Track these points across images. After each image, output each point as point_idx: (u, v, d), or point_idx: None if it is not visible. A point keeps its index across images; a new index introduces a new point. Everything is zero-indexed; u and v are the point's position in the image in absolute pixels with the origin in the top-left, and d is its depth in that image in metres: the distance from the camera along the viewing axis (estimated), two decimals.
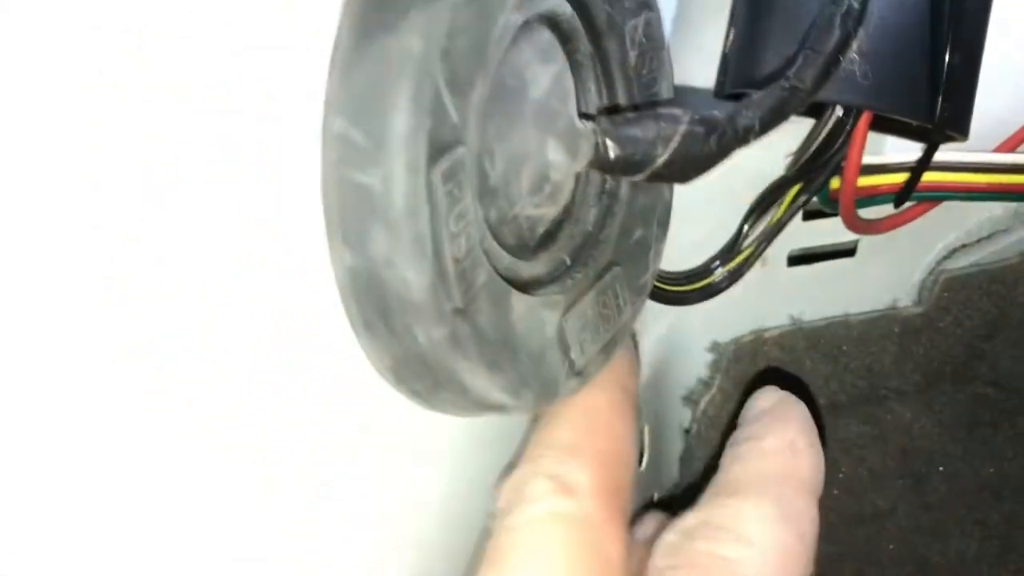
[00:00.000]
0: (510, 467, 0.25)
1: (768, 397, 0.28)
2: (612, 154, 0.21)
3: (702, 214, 0.34)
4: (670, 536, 0.24)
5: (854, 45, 0.25)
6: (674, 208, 0.28)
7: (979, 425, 0.40)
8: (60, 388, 0.14)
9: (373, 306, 0.18)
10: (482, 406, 0.20)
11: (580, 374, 0.23)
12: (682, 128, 0.22)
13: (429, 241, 0.18)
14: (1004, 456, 0.41)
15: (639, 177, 0.22)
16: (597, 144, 0.22)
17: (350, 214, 0.17)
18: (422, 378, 0.19)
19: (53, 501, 0.14)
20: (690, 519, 0.24)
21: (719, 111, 0.22)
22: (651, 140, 0.21)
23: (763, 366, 0.37)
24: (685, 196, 0.32)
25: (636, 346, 0.29)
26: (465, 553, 0.25)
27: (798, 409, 0.27)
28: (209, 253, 0.16)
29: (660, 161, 0.22)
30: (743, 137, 0.22)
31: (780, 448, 0.25)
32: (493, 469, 0.25)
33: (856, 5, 0.24)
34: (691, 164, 0.22)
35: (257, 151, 0.16)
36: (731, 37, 0.32)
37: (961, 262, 0.38)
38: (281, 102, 0.17)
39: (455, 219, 0.18)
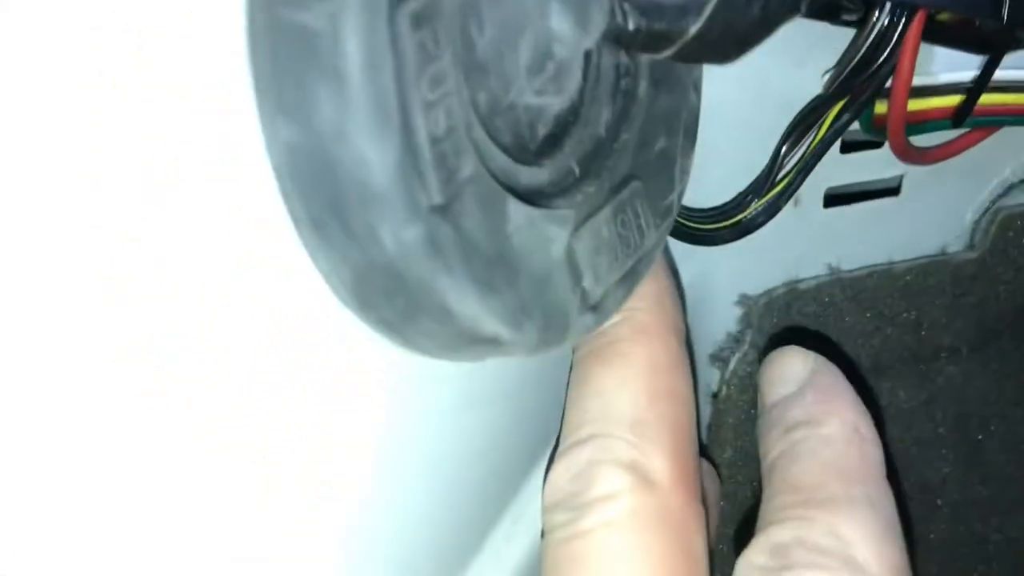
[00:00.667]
0: (560, 446, 0.21)
1: (799, 361, 0.24)
2: (632, 23, 0.17)
3: (731, 145, 0.30)
4: (760, 559, 0.20)
5: None
6: (699, 140, 0.24)
7: None
8: (60, 388, 0.14)
9: (322, 197, 0.14)
10: (472, 338, 0.16)
11: (595, 308, 0.19)
12: None
13: (395, 105, 0.13)
14: None
15: (666, 53, 0.18)
16: (613, 9, 0.17)
17: (286, 69, 0.13)
18: (393, 299, 0.15)
19: (53, 501, 0.14)
20: (778, 533, 0.20)
21: None
22: (681, 5, 0.17)
23: (798, 321, 0.33)
24: (709, 125, 0.28)
25: (677, 275, 0.25)
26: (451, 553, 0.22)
27: (841, 379, 0.23)
28: (209, 253, 0.15)
29: (692, 31, 0.17)
30: (793, 3, 0.18)
31: (847, 436, 0.22)
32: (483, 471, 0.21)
33: None
34: (730, 36, 0.18)
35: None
36: None
37: (1019, 199, 0.34)
38: None
39: (430, 82, 0.14)
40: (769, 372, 0.24)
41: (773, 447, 0.22)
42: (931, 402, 0.36)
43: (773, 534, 0.20)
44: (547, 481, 0.21)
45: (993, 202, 0.34)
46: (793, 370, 0.24)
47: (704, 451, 0.33)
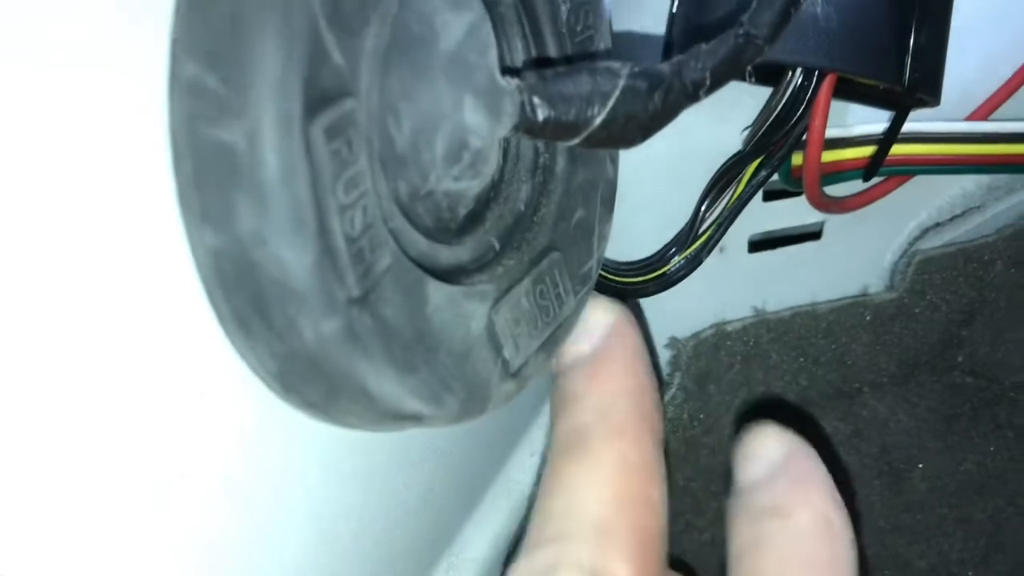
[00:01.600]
0: (524, 542, 0.20)
1: (774, 442, 0.22)
2: (541, 115, 0.18)
3: (654, 199, 0.32)
4: None
5: None
6: (624, 193, 0.25)
7: (959, 417, 0.38)
8: (60, 388, 0.14)
9: (246, 297, 0.15)
10: (394, 417, 0.17)
11: (516, 375, 0.20)
12: (621, 83, 0.18)
13: (311, 212, 0.14)
14: (986, 449, 0.38)
15: (574, 141, 0.19)
16: (523, 103, 0.18)
17: (209, 182, 0.14)
18: (315, 384, 0.16)
19: (53, 501, 0.14)
20: None
21: (664, 64, 0.19)
22: (586, 97, 0.18)
23: (726, 362, 0.34)
24: (635, 179, 0.29)
25: (660, 375, 0.25)
26: None
27: (816, 463, 0.22)
28: (133, 348, 0.15)
29: (597, 122, 0.18)
30: (692, 92, 0.19)
31: (816, 529, 0.20)
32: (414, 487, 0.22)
33: None
34: (633, 125, 0.19)
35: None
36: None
37: (934, 242, 0.36)
38: None
39: (345, 187, 0.15)
40: (743, 450, 0.23)
41: (740, 535, 0.21)
42: (856, 435, 0.38)
43: None
44: None
45: (911, 244, 0.36)
46: (768, 450, 0.22)
47: (684, 566, 0.34)
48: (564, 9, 0.21)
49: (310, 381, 0.16)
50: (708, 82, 0.19)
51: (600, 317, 0.22)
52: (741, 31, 0.20)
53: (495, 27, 0.20)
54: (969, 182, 0.36)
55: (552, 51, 0.21)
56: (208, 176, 0.14)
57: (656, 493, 0.21)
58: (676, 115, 0.19)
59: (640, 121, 0.19)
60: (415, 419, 0.18)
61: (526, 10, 0.20)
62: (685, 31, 0.27)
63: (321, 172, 0.14)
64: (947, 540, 0.39)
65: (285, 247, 0.14)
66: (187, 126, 0.14)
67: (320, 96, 0.14)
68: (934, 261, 0.35)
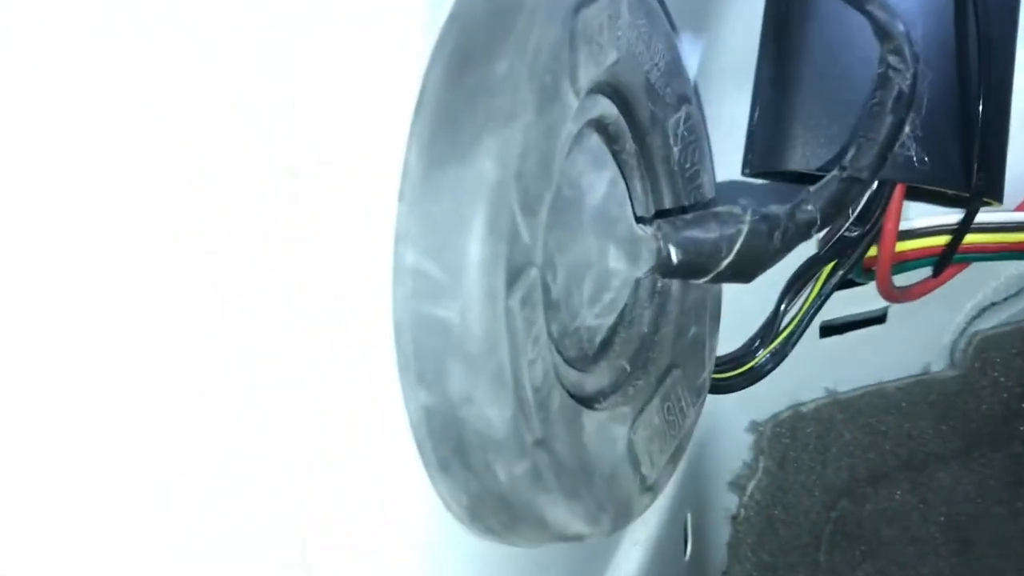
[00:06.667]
0: None
1: None
2: (676, 258, 0.21)
3: (735, 295, 0.34)
4: None
5: (907, 129, 0.24)
6: None
7: (1022, 484, 0.39)
8: (60, 388, 0.13)
9: (450, 445, 0.17)
10: (560, 537, 0.19)
11: (651, 489, 0.22)
12: (745, 227, 0.21)
13: (509, 373, 0.16)
14: None
15: (703, 280, 0.21)
16: (659, 249, 0.21)
17: (425, 351, 0.16)
18: (499, 515, 0.18)
19: (52, 501, 0.14)
20: None
21: (777, 206, 0.22)
22: (714, 241, 0.21)
23: (803, 442, 0.36)
24: None
25: None
26: None
27: None
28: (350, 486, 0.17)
29: (725, 262, 0.21)
30: (805, 231, 0.22)
31: None
32: None
33: (906, 89, 0.23)
34: (755, 263, 0.21)
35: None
36: (756, 113, 0.31)
37: (991, 321, 0.38)
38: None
39: (532, 344, 0.17)
40: None
41: None
42: (923, 503, 0.39)
43: None
44: None
45: (969, 324, 0.38)
46: None
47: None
48: (676, 151, 0.24)
49: (496, 512, 0.18)
50: (819, 222, 0.22)
51: None
52: (845, 174, 0.22)
53: (620, 174, 0.22)
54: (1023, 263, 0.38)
55: (666, 187, 0.24)
56: (425, 345, 0.16)
57: None
58: (790, 252, 0.22)
59: (761, 259, 0.21)
60: (575, 538, 0.20)
61: (645, 157, 0.23)
62: (764, 156, 0.29)
63: (517, 337, 0.17)
64: None
65: (489, 405, 0.16)
66: (408, 303, 0.16)
67: (515, 271, 0.17)
68: (992, 340, 0.37)
